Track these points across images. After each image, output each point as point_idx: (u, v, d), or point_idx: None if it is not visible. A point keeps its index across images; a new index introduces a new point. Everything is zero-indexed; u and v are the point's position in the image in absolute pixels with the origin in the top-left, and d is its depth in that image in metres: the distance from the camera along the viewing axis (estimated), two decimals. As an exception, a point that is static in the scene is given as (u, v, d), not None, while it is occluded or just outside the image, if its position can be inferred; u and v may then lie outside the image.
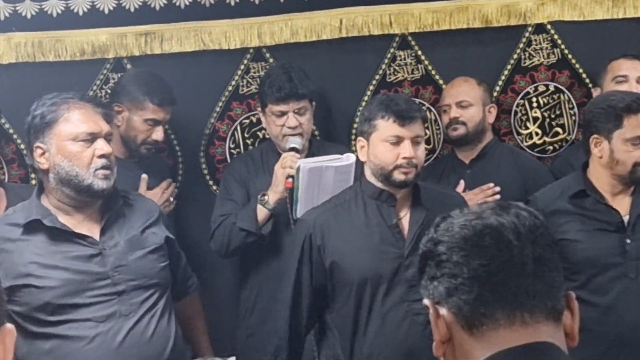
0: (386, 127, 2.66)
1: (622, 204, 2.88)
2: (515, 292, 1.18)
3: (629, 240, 2.82)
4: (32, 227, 2.46)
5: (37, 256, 2.43)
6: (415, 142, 2.68)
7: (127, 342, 2.42)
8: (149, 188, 3.19)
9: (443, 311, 1.23)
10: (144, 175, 3.19)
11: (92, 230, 2.50)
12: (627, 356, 2.79)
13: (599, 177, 2.89)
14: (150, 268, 2.53)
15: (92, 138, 2.47)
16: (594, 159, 2.91)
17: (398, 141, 2.66)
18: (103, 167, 2.47)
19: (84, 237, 2.47)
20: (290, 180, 3.00)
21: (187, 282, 2.85)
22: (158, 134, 3.22)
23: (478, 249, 1.20)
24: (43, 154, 2.47)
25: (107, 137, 2.53)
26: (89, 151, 2.46)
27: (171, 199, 3.26)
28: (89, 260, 2.45)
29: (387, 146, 2.67)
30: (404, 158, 2.64)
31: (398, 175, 2.67)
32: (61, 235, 2.46)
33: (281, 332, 2.76)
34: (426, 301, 1.27)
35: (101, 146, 2.47)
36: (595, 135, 2.87)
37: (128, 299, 2.46)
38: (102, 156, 2.46)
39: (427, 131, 3.54)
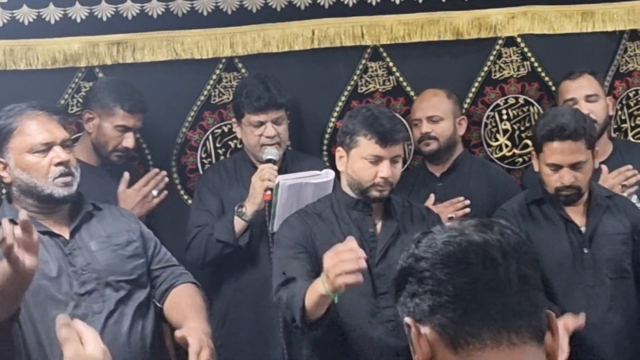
0: (367, 145, 2.66)
1: (577, 212, 2.95)
2: (502, 311, 1.16)
3: (585, 250, 2.90)
4: None
5: None
6: (393, 161, 2.70)
7: (103, 339, 2.40)
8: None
9: (425, 330, 1.19)
10: (126, 174, 3.22)
11: (61, 232, 2.52)
12: (590, 358, 2.84)
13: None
14: (120, 265, 2.54)
15: (47, 148, 2.47)
16: None
17: (377, 161, 2.67)
18: (61, 175, 2.47)
19: (57, 235, 2.49)
20: (268, 192, 3.00)
21: (176, 278, 2.71)
22: (128, 141, 3.22)
23: (463, 266, 1.17)
24: (5, 168, 2.48)
25: (65, 144, 2.52)
26: (46, 161, 2.47)
27: (154, 193, 3.25)
28: (59, 260, 2.46)
29: (366, 164, 2.68)
30: (382, 178, 2.66)
31: (374, 192, 2.69)
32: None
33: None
34: (407, 319, 1.23)
35: (57, 154, 2.47)
36: (533, 151, 3.01)
37: (99, 297, 2.47)
38: (59, 164, 2.47)
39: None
